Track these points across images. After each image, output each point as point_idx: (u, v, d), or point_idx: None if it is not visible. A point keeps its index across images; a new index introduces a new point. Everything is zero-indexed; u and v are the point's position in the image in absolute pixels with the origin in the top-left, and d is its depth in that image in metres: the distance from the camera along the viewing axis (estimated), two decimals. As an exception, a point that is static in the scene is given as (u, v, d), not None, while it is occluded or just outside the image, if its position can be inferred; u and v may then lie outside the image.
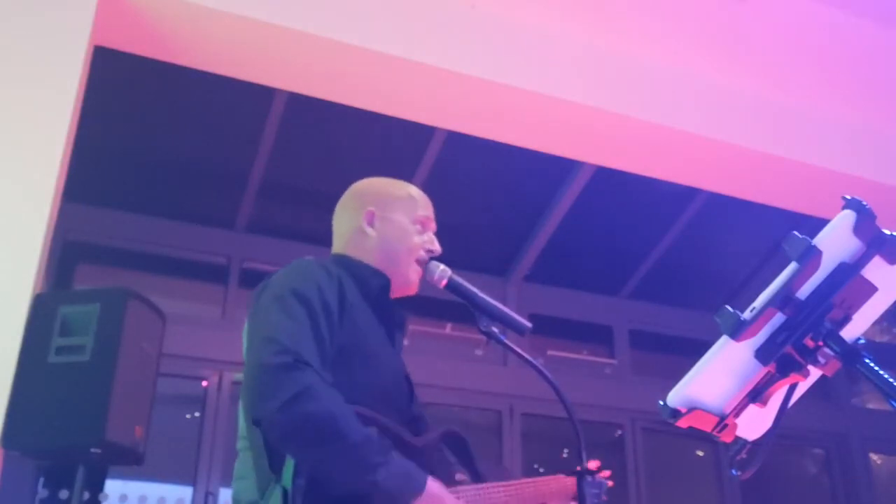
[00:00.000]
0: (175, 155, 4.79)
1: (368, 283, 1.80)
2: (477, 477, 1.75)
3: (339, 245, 1.91)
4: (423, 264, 1.88)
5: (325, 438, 1.45)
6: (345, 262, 1.83)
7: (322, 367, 1.53)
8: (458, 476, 1.73)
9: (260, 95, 4.30)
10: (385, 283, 1.84)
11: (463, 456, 1.75)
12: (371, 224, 1.87)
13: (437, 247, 1.91)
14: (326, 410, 1.47)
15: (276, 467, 1.51)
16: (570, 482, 1.89)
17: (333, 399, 1.49)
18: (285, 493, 1.46)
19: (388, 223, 1.87)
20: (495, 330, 1.88)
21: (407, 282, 1.87)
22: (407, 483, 1.50)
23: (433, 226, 1.95)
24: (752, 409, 1.24)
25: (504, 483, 1.75)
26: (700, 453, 6.08)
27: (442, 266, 1.90)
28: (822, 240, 1.16)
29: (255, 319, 1.63)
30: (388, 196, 1.92)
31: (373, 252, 1.85)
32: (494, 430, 5.33)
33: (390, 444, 1.54)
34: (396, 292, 1.88)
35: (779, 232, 5.53)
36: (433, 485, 1.54)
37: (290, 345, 1.51)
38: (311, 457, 1.47)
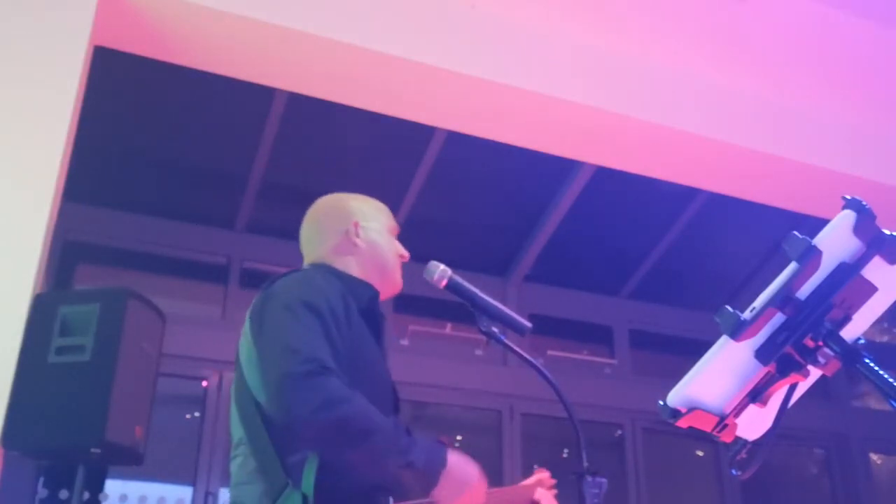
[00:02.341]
0: (175, 155, 4.79)
1: (360, 295, 1.83)
2: None
3: (318, 255, 1.93)
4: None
5: (363, 434, 1.53)
6: (337, 274, 1.85)
7: (339, 370, 1.58)
8: None
9: (260, 95, 4.30)
10: (375, 294, 1.87)
11: None
12: (358, 235, 1.92)
13: (406, 253, 1.99)
14: (359, 408, 1.54)
15: (290, 472, 1.56)
16: (526, 492, 1.89)
17: (358, 397, 1.55)
18: (305, 499, 1.51)
19: (372, 233, 1.94)
20: (495, 330, 1.88)
21: (396, 284, 1.95)
22: (435, 457, 1.60)
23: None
24: (752, 409, 1.24)
25: None
26: (700, 453, 6.08)
27: (442, 266, 1.90)
28: (822, 240, 1.16)
29: (267, 330, 1.66)
30: (365, 208, 1.99)
31: (362, 261, 1.90)
32: (494, 430, 5.33)
33: (405, 428, 1.62)
34: (386, 295, 1.93)
35: (779, 232, 5.54)
36: (453, 455, 1.63)
37: (309, 353, 1.55)
38: (352, 455, 1.54)
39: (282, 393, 1.53)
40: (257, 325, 1.70)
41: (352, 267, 1.89)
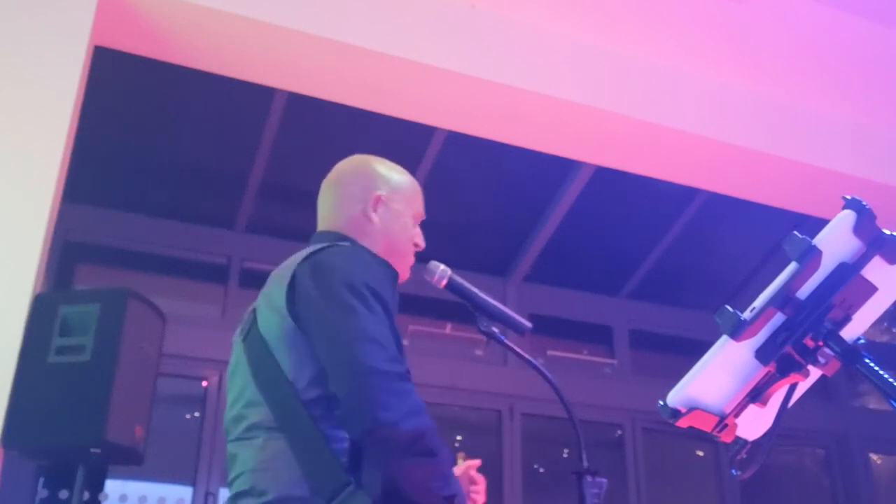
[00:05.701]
0: (175, 155, 4.79)
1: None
2: None
3: (337, 222, 1.84)
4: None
5: (430, 452, 1.49)
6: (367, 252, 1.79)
7: None
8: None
9: (260, 95, 4.30)
10: (396, 275, 1.80)
11: None
12: (376, 210, 1.83)
13: (423, 243, 1.90)
14: (430, 425, 1.52)
15: (352, 470, 1.50)
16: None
17: (426, 411, 1.55)
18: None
19: (391, 212, 1.85)
20: (495, 330, 1.88)
21: (402, 272, 1.86)
22: (461, 491, 1.62)
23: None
24: (752, 409, 1.24)
25: None
26: (700, 453, 6.08)
27: (442, 266, 1.89)
28: (822, 240, 1.16)
29: (328, 307, 1.56)
30: (396, 184, 1.90)
31: (376, 239, 1.81)
32: (494, 430, 5.33)
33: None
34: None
35: (779, 232, 5.53)
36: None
37: (393, 351, 1.53)
38: (414, 470, 1.48)
39: (368, 391, 1.47)
40: (309, 295, 1.59)
41: (369, 243, 1.80)
